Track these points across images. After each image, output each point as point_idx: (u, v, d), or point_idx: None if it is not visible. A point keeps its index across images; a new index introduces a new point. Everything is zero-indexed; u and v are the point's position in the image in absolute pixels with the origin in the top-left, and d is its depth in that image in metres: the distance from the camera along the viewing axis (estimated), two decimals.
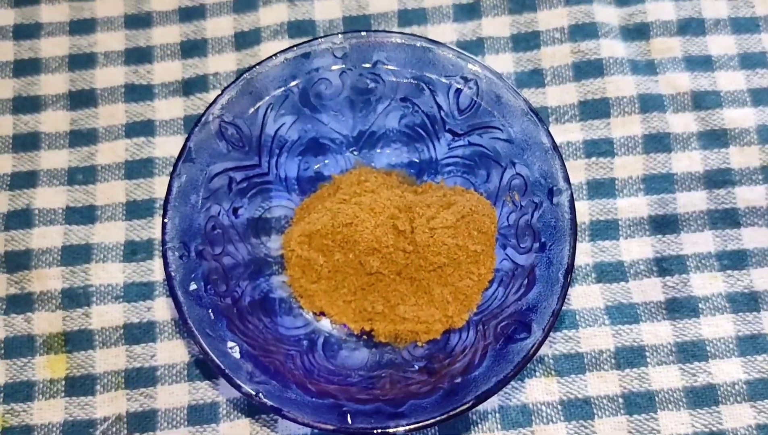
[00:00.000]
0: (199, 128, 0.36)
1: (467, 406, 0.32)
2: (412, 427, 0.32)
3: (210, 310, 0.35)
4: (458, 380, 0.34)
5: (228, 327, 0.35)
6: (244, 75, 0.37)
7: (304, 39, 0.45)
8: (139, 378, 0.40)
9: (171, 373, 0.40)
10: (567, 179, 0.35)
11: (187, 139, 0.36)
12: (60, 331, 0.41)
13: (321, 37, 0.37)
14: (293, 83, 0.38)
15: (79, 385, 0.40)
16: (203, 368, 0.40)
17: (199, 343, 0.33)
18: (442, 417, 0.32)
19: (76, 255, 0.42)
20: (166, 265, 0.34)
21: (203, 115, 0.36)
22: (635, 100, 0.44)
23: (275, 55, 0.37)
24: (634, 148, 0.43)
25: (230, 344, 0.34)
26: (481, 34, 0.46)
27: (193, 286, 0.35)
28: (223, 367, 0.33)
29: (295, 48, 0.37)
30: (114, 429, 0.39)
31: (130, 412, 0.39)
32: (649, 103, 0.44)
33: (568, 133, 0.44)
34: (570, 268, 0.34)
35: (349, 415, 0.33)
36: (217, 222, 0.37)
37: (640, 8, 0.46)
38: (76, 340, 0.41)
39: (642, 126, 0.44)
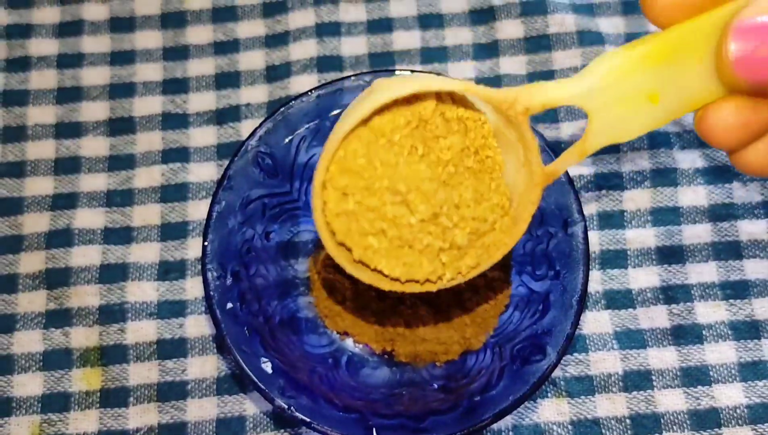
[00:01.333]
0: (237, 158, 0.38)
1: (486, 422, 0.34)
2: None
3: (245, 328, 0.37)
4: (477, 398, 0.36)
5: (261, 344, 0.37)
6: (281, 109, 0.39)
7: (332, 73, 0.48)
8: (171, 391, 0.42)
9: (201, 388, 0.42)
10: (581, 211, 0.38)
11: (227, 168, 0.38)
12: (96, 345, 0.43)
13: (352, 76, 0.40)
14: (325, 117, 0.40)
15: (113, 397, 0.42)
16: (232, 383, 0.42)
17: (236, 358, 0.35)
18: (463, 432, 0.34)
19: (112, 273, 0.44)
20: (205, 285, 0.36)
21: (242, 145, 0.39)
22: (644, 137, 0.46)
23: (310, 91, 0.39)
24: (643, 182, 0.46)
25: (263, 360, 0.36)
26: (498, 72, 0.48)
27: (229, 305, 0.37)
28: (258, 381, 0.35)
29: (328, 85, 0.40)
30: None
31: (161, 424, 0.41)
32: (657, 140, 0.46)
33: (580, 167, 0.46)
34: (583, 295, 0.36)
35: (374, 429, 0.35)
36: (252, 245, 0.40)
37: None
38: (112, 354, 0.43)
39: (650, 161, 0.46)
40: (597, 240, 0.45)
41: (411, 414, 0.36)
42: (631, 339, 0.43)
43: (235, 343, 0.35)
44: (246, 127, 0.47)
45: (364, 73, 0.40)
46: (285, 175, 0.41)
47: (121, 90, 0.48)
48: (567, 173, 0.38)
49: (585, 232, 0.37)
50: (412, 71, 0.40)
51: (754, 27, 0.24)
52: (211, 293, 0.36)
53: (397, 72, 0.40)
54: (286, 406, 0.34)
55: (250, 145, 0.39)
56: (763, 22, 0.23)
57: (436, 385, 0.39)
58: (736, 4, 0.25)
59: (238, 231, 0.39)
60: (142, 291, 0.44)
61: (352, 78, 0.40)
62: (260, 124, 0.39)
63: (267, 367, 0.36)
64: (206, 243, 0.37)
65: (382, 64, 0.48)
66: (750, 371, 0.42)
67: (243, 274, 0.39)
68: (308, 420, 0.34)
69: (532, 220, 0.40)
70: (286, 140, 0.40)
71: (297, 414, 0.34)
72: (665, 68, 0.27)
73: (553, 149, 0.39)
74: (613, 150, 0.46)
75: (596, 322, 0.43)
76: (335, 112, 0.40)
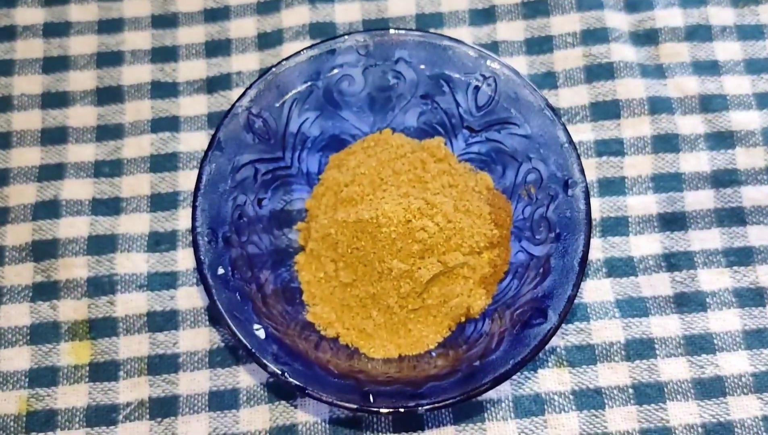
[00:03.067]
0: (228, 119, 0.37)
1: (485, 387, 0.33)
2: (432, 406, 0.33)
3: (237, 294, 0.36)
4: (477, 363, 0.35)
5: (254, 310, 0.36)
6: (272, 69, 0.38)
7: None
8: (162, 364, 0.41)
9: (193, 360, 0.41)
10: (582, 171, 0.37)
11: (217, 130, 0.37)
12: (85, 318, 0.42)
13: (346, 35, 0.39)
14: (318, 79, 0.39)
15: (103, 371, 0.41)
16: (225, 355, 0.41)
17: (227, 324, 0.34)
18: (461, 397, 0.33)
19: (101, 245, 0.43)
20: (196, 249, 0.35)
21: (233, 106, 0.38)
22: (644, 103, 0.45)
23: (302, 51, 0.38)
24: (644, 148, 0.45)
25: (256, 326, 0.35)
26: (495, 38, 0.47)
27: (220, 271, 0.36)
28: (250, 347, 0.34)
29: (320, 44, 0.39)
30: (136, 414, 0.40)
31: (152, 398, 0.40)
32: (658, 106, 0.45)
33: (579, 133, 0.45)
34: (585, 256, 0.35)
35: (371, 395, 0.34)
36: (243, 211, 0.38)
37: (650, 15, 0.48)
38: (101, 327, 0.42)
39: (651, 127, 0.45)
40: (598, 207, 0.44)
41: (408, 380, 0.35)
42: (633, 307, 0.42)
43: (226, 308, 0.34)
44: (237, 96, 0.45)
45: (358, 33, 0.39)
46: (277, 141, 0.40)
47: (109, 58, 0.47)
48: (568, 133, 0.37)
49: (586, 191, 0.36)
50: (408, 30, 0.39)
51: None
52: (202, 257, 0.35)
53: (392, 32, 0.39)
54: (280, 372, 0.33)
55: (241, 106, 0.38)
56: None
57: (434, 353, 0.38)
58: None
59: (230, 195, 0.38)
60: (132, 262, 0.43)
61: (346, 37, 0.39)
62: (251, 85, 0.38)
63: (260, 333, 0.35)
64: (197, 205, 0.35)
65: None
66: (755, 339, 0.41)
67: (235, 240, 0.37)
68: (303, 386, 0.33)
69: (531, 183, 0.39)
70: (278, 103, 0.39)
71: (291, 380, 0.33)
72: None
73: (554, 110, 0.38)
74: (613, 116, 0.45)
75: (597, 290, 0.42)
76: (328, 73, 0.39)
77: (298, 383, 0.33)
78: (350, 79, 0.40)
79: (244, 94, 0.38)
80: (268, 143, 0.40)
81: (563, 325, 0.41)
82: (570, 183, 0.37)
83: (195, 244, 0.35)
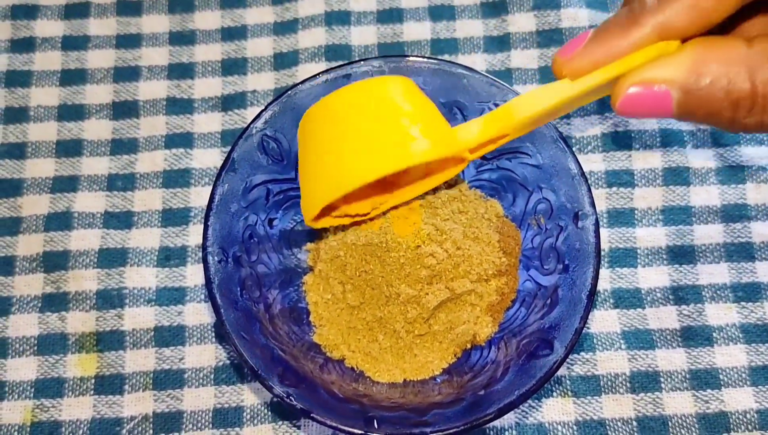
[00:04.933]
0: (243, 140, 0.38)
1: (490, 417, 0.33)
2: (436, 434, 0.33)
3: (245, 314, 0.36)
4: (481, 393, 0.35)
5: (261, 331, 0.36)
6: (288, 92, 0.38)
7: (340, 62, 0.47)
8: (167, 380, 0.41)
9: (198, 377, 0.41)
10: (593, 204, 0.37)
11: (231, 150, 0.37)
12: (92, 330, 0.42)
13: (361, 60, 0.39)
14: None
15: (108, 384, 0.41)
16: (229, 372, 0.41)
17: (234, 344, 0.34)
18: (466, 426, 0.33)
19: (111, 258, 0.43)
20: (206, 268, 0.35)
21: (247, 128, 0.38)
22: (656, 135, 0.46)
23: (317, 75, 0.39)
24: (654, 180, 0.45)
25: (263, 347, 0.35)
26: (509, 65, 0.47)
27: (229, 291, 0.36)
28: (256, 368, 0.34)
29: (336, 69, 0.39)
30: (140, 428, 0.40)
31: (156, 413, 0.41)
32: (670, 138, 0.46)
33: (590, 163, 0.45)
34: (593, 290, 0.35)
35: (375, 421, 0.34)
36: (254, 231, 0.39)
37: None
38: (108, 341, 0.42)
39: (662, 159, 0.45)
40: (606, 238, 0.44)
41: (413, 407, 0.35)
42: (639, 339, 0.42)
43: (234, 329, 0.35)
44: (251, 115, 0.46)
45: (373, 58, 0.39)
46: (290, 162, 0.40)
47: (126, 73, 0.48)
48: (579, 165, 0.37)
49: (596, 225, 0.36)
50: (423, 57, 0.39)
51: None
52: (212, 277, 0.35)
53: (407, 59, 0.39)
54: (285, 395, 0.33)
55: (256, 128, 0.38)
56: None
57: (439, 380, 0.38)
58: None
59: (241, 215, 0.38)
60: (141, 277, 0.43)
61: (361, 63, 0.39)
62: (266, 107, 0.38)
63: (267, 354, 0.35)
64: (208, 224, 0.36)
65: (392, 53, 0.48)
66: (761, 376, 0.41)
67: (245, 259, 0.38)
68: (308, 410, 0.33)
69: (541, 213, 0.39)
70: (293, 125, 0.39)
71: (296, 403, 0.33)
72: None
73: (566, 142, 0.38)
74: (624, 147, 0.45)
75: (604, 321, 0.42)
76: None
77: (303, 407, 0.33)
78: None
79: (259, 115, 0.38)
80: (281, 164, 0.40)
81: (569, 356, 0.41)
82: (580, 215, 0.37)
83: (205, 264, 0.35)
